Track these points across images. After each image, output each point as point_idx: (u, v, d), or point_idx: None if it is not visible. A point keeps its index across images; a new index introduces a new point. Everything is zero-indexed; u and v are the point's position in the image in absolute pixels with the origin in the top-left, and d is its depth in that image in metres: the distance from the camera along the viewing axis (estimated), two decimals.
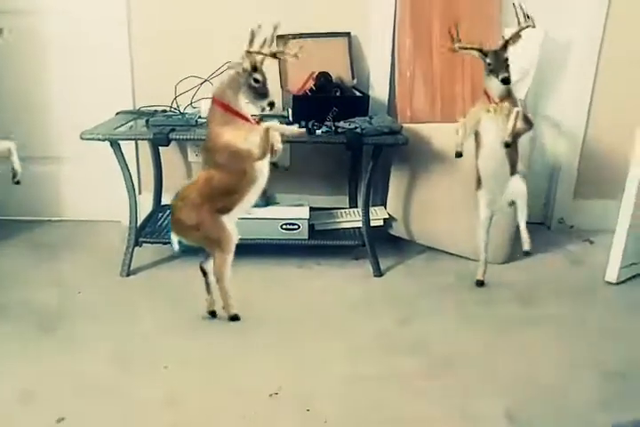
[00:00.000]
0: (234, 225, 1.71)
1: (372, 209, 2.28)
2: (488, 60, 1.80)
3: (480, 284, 2.07)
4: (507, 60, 1.80)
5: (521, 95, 2.42)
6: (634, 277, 2.16)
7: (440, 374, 1.57)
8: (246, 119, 1.65)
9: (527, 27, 1.80)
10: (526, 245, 1.93)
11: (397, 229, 2.42)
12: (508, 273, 2.21)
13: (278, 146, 1.62)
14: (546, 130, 2.57)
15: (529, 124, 1.85)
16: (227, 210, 1.68)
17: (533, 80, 2.40)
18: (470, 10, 2.34)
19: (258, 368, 1.58)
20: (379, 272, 2.16)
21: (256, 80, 1.61)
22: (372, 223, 2.22)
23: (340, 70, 2.32)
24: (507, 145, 1.80)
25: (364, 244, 2.16)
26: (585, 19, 2.42)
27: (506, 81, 1.78)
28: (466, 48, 1.82)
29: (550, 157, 2.63)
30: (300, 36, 2.15)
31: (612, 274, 2.11)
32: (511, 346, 1.72)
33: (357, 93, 2.31)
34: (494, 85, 1.81)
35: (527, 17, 1.79)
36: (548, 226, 2.67)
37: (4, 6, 2.34)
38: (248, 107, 1.65)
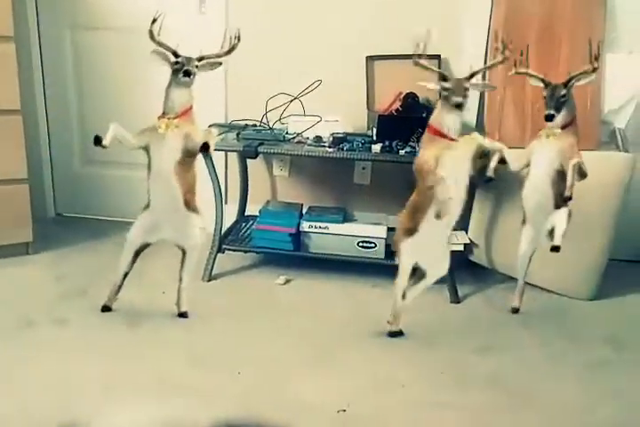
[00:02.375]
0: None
1: (452, 233, 2.24)
2: (544, 93, 1.75)
3: (515, 311, 2.00)
4: (563, 96, 1.74)
5: (621, 124, 2.32)
6: None
7: (514, 410, 1.50)
8: (444, 136, 1.67)
9: (595, 70, 1.73)
10: (557, 240, 1.78)
11: (478, 256, 2.36)
12: (597, 310, 2.08)
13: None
14: None
15: (583, 176, 1.76)
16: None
17: (637, 108, 2.28)
18: (570, 35, 2.27)
19: (329, 384, 1.58)
20: (456, 298, 2.10)
21: (445, 88, 1.66)
22: (452, 248, 2.17)
23: (427, 92, 2.31)
24: (568, 198, 1.74)
25: None
26: None
27: (548, 118, 1.73)
28: (529, 74, 1.77)
29: None
30: (391, 57, 2.17)
31: None
32: (597, 388, 1.61)
33: None
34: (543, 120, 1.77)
35: (596, 58, 1.72)
36: None
37: (106, 23, 2.54)
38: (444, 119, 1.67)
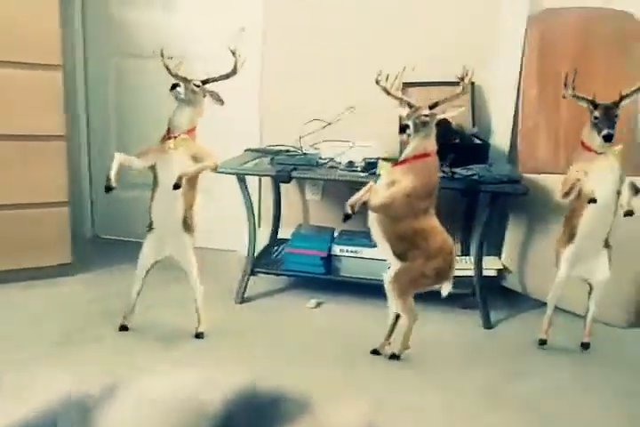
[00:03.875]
0: None
1: (485, 258, 2.22)
2: (596, 114, 1.73)
3: (542, 343, 1.92)
4: (616, 116, 1.71)
5: None
6: None
7: None
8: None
9: None
10: (586, 338, 1.87)
11: (511, 282, 2.33)
12: (634, 338, 2.03)
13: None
14: None
15: (637, 192, 1.73)
16: None
17: None
18: (606, 66, 2.28)
19: (354, 407, 1.56)
20: (488, 324, 2.08)
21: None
22: (485, 273, 2.16)
23: (460, 118, 2.33)
24: (628, 213, 1.70)
25: (474, 293, 2.10)
26: None
27: (607, 138, 1.70)
28: (577, 97, 1.77)
29: None
30: (426, 84, 2.21)
31: None
32: (626, 418, 1.56)
33: (477, 141, 2.31)
34: (594, 140, 1.74)
35: None
36: None
37: (148, 52, 2.64)
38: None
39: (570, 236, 1.82)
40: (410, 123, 1.68)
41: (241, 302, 2.18)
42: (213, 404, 0.44)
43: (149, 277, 1.87)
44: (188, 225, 1.81)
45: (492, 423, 1.53)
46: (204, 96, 1.79)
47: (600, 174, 1.74)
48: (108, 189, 1.69)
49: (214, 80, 1.79)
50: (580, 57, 2.30)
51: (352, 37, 2.50)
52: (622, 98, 1.73)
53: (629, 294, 2.06)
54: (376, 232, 1.74)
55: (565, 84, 1.77)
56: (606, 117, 1.71)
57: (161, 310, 2.05)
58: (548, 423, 1.53)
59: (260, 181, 2.64)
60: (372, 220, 1.73)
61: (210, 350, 1.83)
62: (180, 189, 1.72)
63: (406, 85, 2.41)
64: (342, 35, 2.50)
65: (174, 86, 1.74)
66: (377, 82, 1.71)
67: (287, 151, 2.39)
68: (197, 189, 1.82)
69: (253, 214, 2.22)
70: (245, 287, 2.19)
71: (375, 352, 1.83)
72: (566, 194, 1.78)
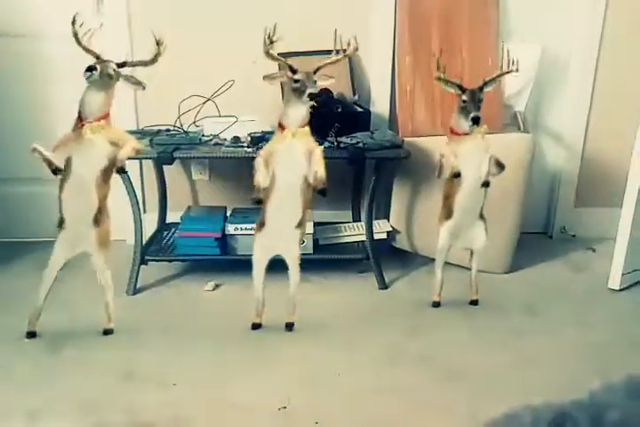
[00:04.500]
0: None
1: (375, 222, 2.30)
2: (464, 98, 1.83)
3: (436, 305, 2.03)
4: (481, 100, 1.82)
5: (520, 107, 2.46)
6: (637, 283, 2.17)
7: (447, 387, 1.57)
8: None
9: (509, 72, 1.86)
10: (474, 295, 2.03)
11: (401, 242, 2.43)
12: (512, 283, 2.23)
13: None
14: (546, 140, 2.60)
15: (501, 168, 1.88)
16: None
17: (533, 92, 2.44)
18: (468, 25, 2.39)
19: (266, 382, 1.58)
20: (384, 285, 2.17)
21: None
22: (376, 236, 2.23)
23: (341, 87, 2.35)
24: (484, 184, 1.86)
25: (368, 257, 2.17)
26: (582, 31, 2.47)
27: (476, 120, 1.81)
28: (446, 81, 1.85)
29: (551, 167, 2.65)
30: (301, 53, 2.19)
31: (614, 281, 2.13)
32: (517, 357, 1.72)
33: (359, 109, 2.34)
34: (462, 123, 1.85)
35: (513, 62, 1.83)
36: (549, 235, 2.68)
37: (8, 30, 2.39)
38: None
39: (448, 212, 1.95)
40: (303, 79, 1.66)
41: (134, 294, 2.09)
42: None
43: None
44: (101, 217, 1.71)
45: (397, 377, 1.61)
46: (119, 80, 1.66)
47: (469, 154, 1.87)
48: (56, 171, 1.60)
49: (132, 65, 1.67)
50: (445, 23, 2.38)
51: (225, 10, 2.40)
52: (485, 83, 1.84)
53: (506, 243, 2.24)
54: (296, 202, 1.74)
55: (438, 67, 1.84)
56: (473, 101, 1.81)
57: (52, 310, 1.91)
58: (445, 372, 1.64)
59: (140, 164, 2.50)
60: (296, 189, 1.72)
61: (105, 346, 1.76)
62: (95, 181, 1.64)
63: (287, 55, 2.38)
64: (216, 6, 2.40)
65: (90, 69, 1.60)
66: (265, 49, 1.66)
67: (167, 131, 2.29)
68: (111, 181, 1.72)
69: (137, 201, 2.12)
70: (137, 277, 2.10)
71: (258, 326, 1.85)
72: (439, 174, 1.90)
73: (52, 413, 1.45)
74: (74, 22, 1.60)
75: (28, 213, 2.51)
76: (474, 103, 1.81)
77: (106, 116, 1.67)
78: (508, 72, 1.86)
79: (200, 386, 1.57)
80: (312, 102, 1.70)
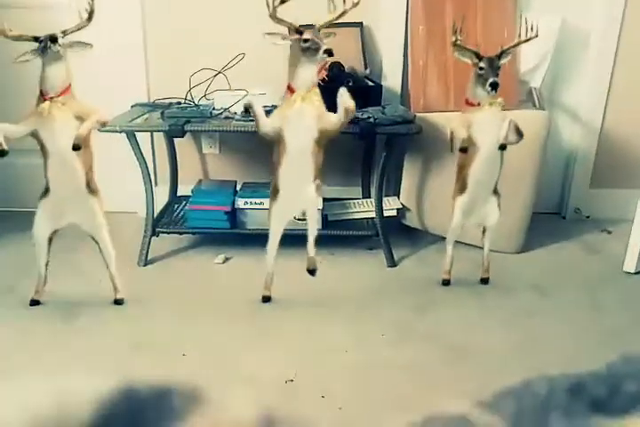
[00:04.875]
0: None
1: (385, 199, 2.28)
2: (481, 64, 1.78)
3: (446, 283, 2.01)
4: (499, 68, 1.77)
5: (536, 83, 2.41)
6: None
7: (455, 364, 1.57)
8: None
9: (529, 40, 1.80)
10: (485, 274, 2.01)
11: (411, 220, 2.42)
12: (524, 263, 2.20)
13: None
14: (562, 117, 2.55)
15: (520, 135, 1.82)
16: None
17: (550, 67, 2.37)
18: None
19: (274, 355, 1.60)
20: (392, 262, 2.16)
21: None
22: (386, 214, 2.22)
23: (352, 60, 2.32)
24: (501, 147, 1.80)
25: (377, 234, 2.16)
26: (604, 6, 2.38)
27: (494, 86, 1.75)
28: (463, 47, 1.80)
29: (566, 146, 2.60)
30: (312, 26, 2.14)
31: (630, 264, 2.09)
32: (527, 336, 1.71)
33: (370, 83, 2.30)
34: (479, 92, 1.80)
35: (532, 28, 1.77)
36: (563, 216, 2.64)
37: (22, 2, 2.37)
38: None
39: (462, 186, 1.92)
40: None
41: (145, 265, 2.11)
42: (76, 417, 0.40)
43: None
44: (91, 188, 1.71)
45: (405, 354, 1.62)
46: (69, 47, 1.63)
47: (485, 123, 1.81)
48: (2, 153, 1.57)
49: (72, 31, 1.64)
50: None
51: None
52: (504, 51, 1.78)
53: (518, 223, 2.21)
54: (308, 165, 1.73)
55: (455, 31, 1.78)
56: (491, 67, 1.76)
57: (65, 280, 1.94)
58: (452, 350, 1.64)
59: (152, 136, 2.50)
60: (307, 153, 1.70)
61: (116, 316, 1.78)
62: (71, 153, 1.62)
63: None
64: None
65: (54, 39, 1.58)
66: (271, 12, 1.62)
67: (178, 104, 2.27)
68: (92, 148, 1.71)
69: (148, 173, 2.13)
70: (148, 249, 2.12)
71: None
72: (452, 148, 1.86)
73: (68, 371, 1.48)
74: None
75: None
76: (492, 69, 1.76)
77: (67, 90, 1.64)
78: (527, 40, 1.79)
79: (208, 357, 1.59)
80: (328, 59, 1.66)
